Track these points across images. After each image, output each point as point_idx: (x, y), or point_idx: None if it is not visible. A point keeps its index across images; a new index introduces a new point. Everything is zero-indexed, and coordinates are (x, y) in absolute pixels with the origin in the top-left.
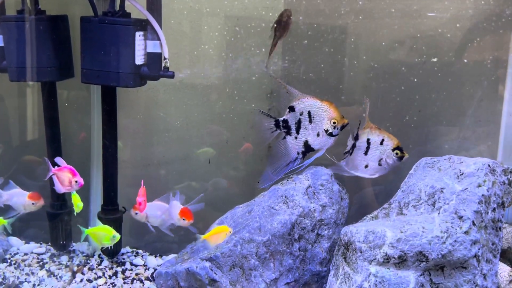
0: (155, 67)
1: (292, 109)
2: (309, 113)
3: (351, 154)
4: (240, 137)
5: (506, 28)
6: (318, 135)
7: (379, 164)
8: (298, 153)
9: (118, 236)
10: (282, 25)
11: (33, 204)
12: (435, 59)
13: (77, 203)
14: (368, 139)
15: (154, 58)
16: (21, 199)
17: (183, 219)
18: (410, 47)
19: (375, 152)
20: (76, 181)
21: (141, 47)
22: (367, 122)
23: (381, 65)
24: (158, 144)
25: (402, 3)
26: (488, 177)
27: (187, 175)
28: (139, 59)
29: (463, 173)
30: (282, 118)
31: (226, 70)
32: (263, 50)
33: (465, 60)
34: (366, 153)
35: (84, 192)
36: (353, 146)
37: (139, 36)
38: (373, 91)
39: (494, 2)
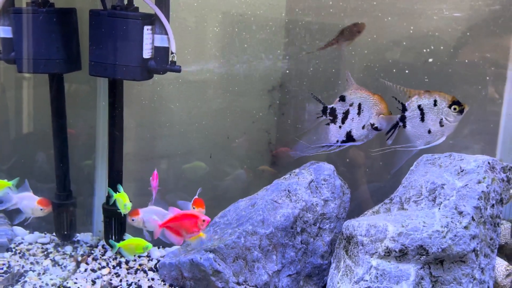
0: (162, 61)
1: (342, 98)
2: (359, 105)
3: (404, 126)
4: (241, 132)
5: (506, 30)
6: (363, 127)
7: (441, 125)
8: (337, 141)
9: (150, 246)
10: (348, 32)
11: (41, 210)
12: (430, 60)
13: (125, 203)
14: (419, 106)
15: (161, 52)
16: (31, 203)
17: (193, 208)
18: (409, 47)
19: (432, 115)
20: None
21: (149, 41)
22: (409, 90)
23: (378, 63)
24: (161, 138)
25: (402, 3)
26: (488, 174)
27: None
28: (147, 53)
29: (463, 170)
30: (330, 106)
31: (228, 66)
32: (266, 47)
33: (466, 61)
34: (422, 119)
35: (89, 184)
36: (400, 120)
37: (147, 30)
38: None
39: (494, 4)
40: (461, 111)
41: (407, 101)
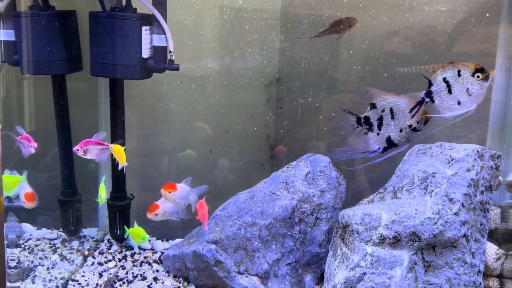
0: (161, 60)
1: (373, 106)
2: (391, 110)
3: (433, 101)
4: (240, 127)
5: (494, 20)
6: (401, 131)
7: (469, 95)
8: (379, 148)
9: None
10: (339, 25)
11: (24, 203)
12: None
13: (100, 195)
14: (444, 78)
15: (159, 51)
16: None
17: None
18: (403, 39)
19: (458, 86)
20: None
21: (147, 40)
22: (432, 66)
23: (375, 56)
24: (162, 134)
25: None
26: (477, 162)
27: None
28: (146, 53)
29: (453, 159)
30: (363, 115)
31: (226, 61)
32: (262, 41)
33: (455, 51)
34: (450, 91)
35: (94, 181)
36: (427, 96)
37: (145, 30)
38: (368, 80)
39: None
40: (486, 78)
41: (432, 76)
